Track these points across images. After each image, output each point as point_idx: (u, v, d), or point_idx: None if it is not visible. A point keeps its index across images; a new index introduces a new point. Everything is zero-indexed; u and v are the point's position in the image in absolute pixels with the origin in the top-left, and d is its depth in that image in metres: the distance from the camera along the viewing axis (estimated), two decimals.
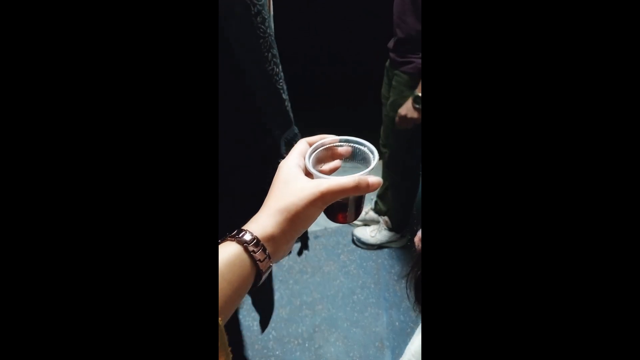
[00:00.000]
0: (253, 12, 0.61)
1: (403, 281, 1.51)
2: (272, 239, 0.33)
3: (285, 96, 0.73)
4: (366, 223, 1.82)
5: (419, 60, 1.28)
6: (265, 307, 1.09)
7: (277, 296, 1.49)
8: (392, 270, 1.61)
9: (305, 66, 2.02)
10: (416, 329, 0.78)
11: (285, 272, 1.59)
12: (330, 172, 0.40)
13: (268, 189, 0.36)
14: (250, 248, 0.32)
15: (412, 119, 1.26)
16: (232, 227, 0.34)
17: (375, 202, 1.80)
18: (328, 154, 0.40)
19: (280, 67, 0.71)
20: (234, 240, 0.32)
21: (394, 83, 1.38)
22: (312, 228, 1.78)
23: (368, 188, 0.35)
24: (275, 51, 0.68)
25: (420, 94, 1.21)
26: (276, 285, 1.54)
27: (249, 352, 1.31)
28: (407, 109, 1.27)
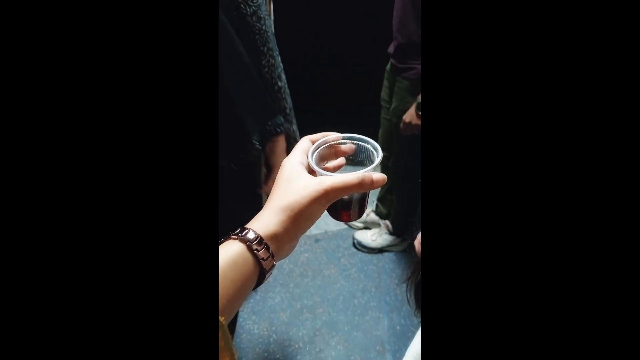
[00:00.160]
0: (249, 12, 0.76)
1: (404, 285, 1.51)
2: (276, 237, 0.33)
3: (281, 84, 0.86)
4: (367, 226, 1.81)
5: (420, 67, 1.28)
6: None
7: (277, 300, 1.49)
8: (393, 274, 1.60)
9: (305, 67, 2.03)
10: (417, 332, 0.78)
11: (286, 275, 1.59)
12: (334, 170, 0.40)
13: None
14: (254, 246, 0.32)
15: (416, 125, 1.26)
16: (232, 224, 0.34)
17: (376, 205, 1.80)
18: (331, 152, 0.39)
19: (277, 59, 0.84)
20: (237, 239, 0.32)
21: (395, 89, 1.39)
22: (313, 231, 1.78)
23: (372, 185, 0.34)
24: (271, 45, 0.82)
25: None
26: (277, 288, 1.53)
27: (250, 355, 1.30)
28: (411, 116, 1.27)
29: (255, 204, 0.93)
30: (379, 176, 0.35)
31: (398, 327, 1.39)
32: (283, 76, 0.88)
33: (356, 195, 0.38)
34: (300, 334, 1.37)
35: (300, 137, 0.40)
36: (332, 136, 0.39)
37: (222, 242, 0.33)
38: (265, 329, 1.38)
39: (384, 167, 1.57)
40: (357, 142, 0.39)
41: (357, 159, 0.40)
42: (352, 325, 1.39)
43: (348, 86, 2.20)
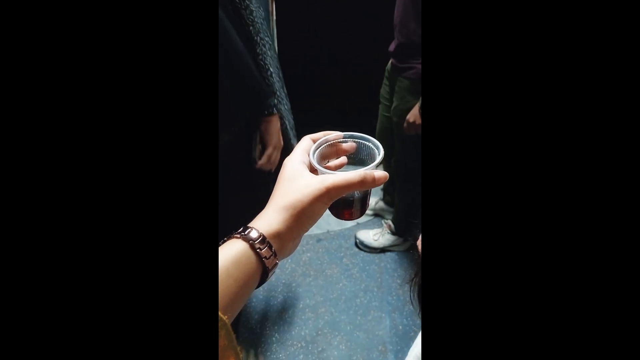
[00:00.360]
0: (242, 6, 0.88)
1: (406, 285, 1.50)
2: (278, 236, 0.33)
3: (272, 69, 0.98)
4: (376, 213, 1.85)
5: (420, 66, 1.28)
6: None
7: (279, 299, 1.49)
8: (395, 274, 1.60)
9: (305, 67, 2.03)
10: (419, 333, 0.78)
11: (288, 274, 1.59)
12: (336, 169, 0.40)
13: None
14: (257, 245, 0.32)
15: (419, 125, 1.26)
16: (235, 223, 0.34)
17: (384, 193, 1.82)
18: (332, 150, 0.40)
19: (267, 46, 0.97)
20: (239, 238, 0.32)
21: (396, 88, 1.39)
22: (315, 231, 1.78)
23: (374, 182, 0.35)
24: (263, 35, 0.94)
25: None
26: (279, 288, 1.53)
27: (252, 355, 1.31)
28: (414, 116, 1.27)
29: (248, 179, 1.04)
30: (381, 174, 0.35)
31: (400, 327, 1.39)
32: (274, 62, 1.00)
33: (358, 193, 0.38)
34: (303, 333, 1.37)
35: (298, 132, 0.40)
36: (333, 135, 0.39)
37: (225, 241, 0.33)
38: (267, 328, 1.38)
39: (384, 164, 1.58)
40: (359, 141, 0.39)
41: (358, 158, 0.40)
42: (354, 325, 1.39)
43: (348, 86, 2.20)
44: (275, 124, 0.99)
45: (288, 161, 0.36)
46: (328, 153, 0.39)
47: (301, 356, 1.30)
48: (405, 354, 0.74)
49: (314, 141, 0.38)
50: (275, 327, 1.38)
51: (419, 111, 1.25)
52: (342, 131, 0.40)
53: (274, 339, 1.35)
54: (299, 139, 0.39)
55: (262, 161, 1.00)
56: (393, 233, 1.68)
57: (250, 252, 0.32)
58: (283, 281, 1.56)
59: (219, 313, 0.28)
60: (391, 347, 1.32)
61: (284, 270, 1.60)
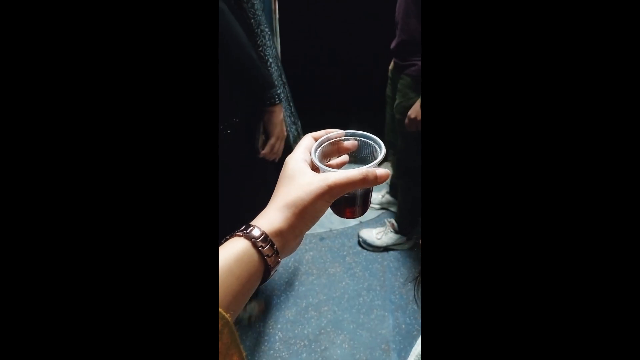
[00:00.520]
0: (244, 0, 0.91)
1: (409, 284, 1.51)
2: (280, 234, 0.33)
3: (271, 60, 1.01)
4: (383, 207, 1.85)
5: (421, 63, 1.29)
6: None
7: (282, 298, 1.49)
8: (398, 273, 1.60)
9: (305, 67, 2.03)
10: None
11: (291, 273, 1.59)
12: (337, 167, 0.40)
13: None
14: (259, 243, 0.32)
15: (420, 121, 1.26)
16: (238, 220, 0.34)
17: (390, 187, 1.82)
18: (334, 148, 0.40)
19: (271, 40, 1.01)
20: (242, 236, 0.32)
21: (399, 86, 1.39)
22: (318, 230, 1.78)
23: (376, 180, 0.35)
24: (263, 27, 0.98)
25: None
26: (282, 286, 1.54)
27: (255, 353, 1.31)
28: (416, 112, 1.27)
29: (249, 173, 1.07)
30: (382, 171, 0.35)
31: (403, 326, 1.39)
32: (272, 52, 1.04)
33: (360, 191, 0.38)
34: (306, 332, 1.37)
35: (298, 128, 0.40)
36: (334, 133, 0.39)
37: (227, 240, 0.33)
38: (270, 327, 1.39)
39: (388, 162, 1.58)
40: (360, 139, 0.39)
41: (360, 156, 0.40)
42: (357, 324, 1.39)
43: (349, 86, 2.20)
44: (278, 114, 1.00)
45: (290, 159, 0.36)
46: (330, 151, 0.39)
47: (304, 355, 1.30)
48: (408, 353, 0.74)
49: (316, 139, 0.38)
50: (278, 326, 1.39)
51: (420, 107, 1.25)
52: (344, 129, 0.40)
53: (277, 337, 1.35)
54: (300, 136, 0.39)
55: (265, 151, 1.02)
56: (396, 232, 1.68)
57: (253, 250, 0.32)
58: (286, 280, 1.56)
59: (222, 311, 0.28)
60: (394, 346, 1.32)
61: (287, 269, 1.60)
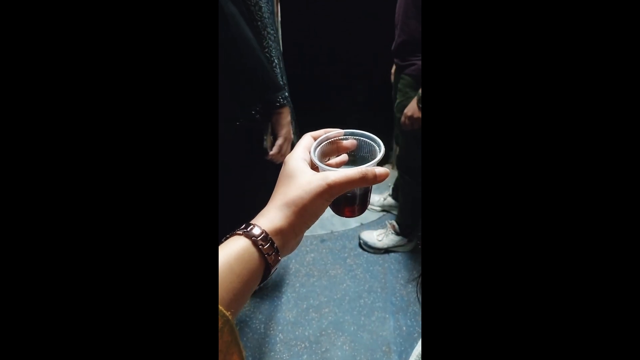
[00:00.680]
0: (252, 3, 0.94)
1: (410, 286, 1.50)
2: (281, 232, 0.33)
3: (276, 61, 1.03)
4: (384, 209, 1.84)
5: (421, 62, 1.29)
6: None
7: (283, 299, 1.49)
8: (399, 275, 1.60)
9: (305, 67, 2.04)
10: None
11: (292, 275, 1.59)
12: (337, 167, 0.40)
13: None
14: (259, 242, 0.32)
15: (417, 119, 1.26)
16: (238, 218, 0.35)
17: (392, 189, 1.82)
18: (333, 148, 0.40)
19: (276, 42, 1.03)
20: (242, 235, 0.33)
21: (399, 86, 1.39)
22: (319, 231, 1.78)
23: (375, 179, 0.35)
24: (269, 29, 1.00)
25: None
26: (283, 288, 1.53)
27: (256, 354, 1.31)
28: (412, 109, 1.27)
29: (260, 167, 1.08)
30: (382, 170, 0.35)
31: (404, 328, 1.38)
32: (277, 53, 1.05)
33: (359, 190, 0.38)
34: (307, 333, 1.37)
35: (300, 132, 0.40)
36: (334, 132, 0.39)
37: (227, 238, 0.33)
38: (271, 329, 1.38)
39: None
40: (359, 138, 0.40)
41: (359, 155, 0.40)
42: (358, 326, 1.39)
43: (348, 85, 2.21)
44: (285, 116, 1.02)
45: (289, 158, 0.37)
46: (329, 150, 0.40)
47: (305, 356, 1.30)
48: (409, 354, 0.74)
49: (315, 139, 0.39)
50: (279, 327, 1.39)
51: (417, 104, 1.25)
52: (343, 129, 0.40)
53: (277, 339, 1.35)
54: (299, 137, 0.39)
55: (273, 151, 1.04)
56: (397, 233, 1.68)
57: (253, 249, 0.32)
58: (287, 281, 1.56)
59: (223, 309, 0.29)
60: (395, 348, 1.32)
61: (288, 271, 1.60)
